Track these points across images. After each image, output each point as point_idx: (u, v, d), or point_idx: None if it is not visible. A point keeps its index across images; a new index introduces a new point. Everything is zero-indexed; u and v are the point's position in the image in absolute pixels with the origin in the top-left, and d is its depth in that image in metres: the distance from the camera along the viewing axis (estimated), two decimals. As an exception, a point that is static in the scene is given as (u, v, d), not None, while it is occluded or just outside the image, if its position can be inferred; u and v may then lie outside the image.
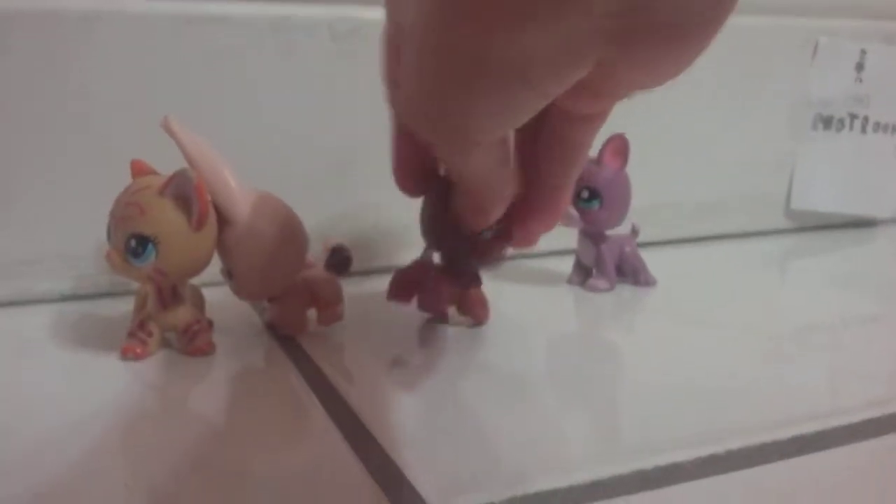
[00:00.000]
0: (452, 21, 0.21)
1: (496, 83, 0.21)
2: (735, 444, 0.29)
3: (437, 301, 0.37)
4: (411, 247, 0.38)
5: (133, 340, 0.34)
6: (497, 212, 0.30)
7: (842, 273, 0.53)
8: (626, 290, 0.45)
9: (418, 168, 0.32)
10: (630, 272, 0.46)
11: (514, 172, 0.29)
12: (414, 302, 0.37)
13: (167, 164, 0.33)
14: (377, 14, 0.43)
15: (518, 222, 0.32)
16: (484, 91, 0.22)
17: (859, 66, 0.58)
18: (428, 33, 0.22)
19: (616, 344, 0.40)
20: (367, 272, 0.44)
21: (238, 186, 0.34)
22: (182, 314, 0.35)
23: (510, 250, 0.34)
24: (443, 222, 0.33)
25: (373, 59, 0.44)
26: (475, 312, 0.39)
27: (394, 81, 0.27)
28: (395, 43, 0.27)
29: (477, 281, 0.38)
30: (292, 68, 0.43)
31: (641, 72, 0.23)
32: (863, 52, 0.58)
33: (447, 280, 0.37)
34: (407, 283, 0.37)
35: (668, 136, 0.52)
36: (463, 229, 0.32)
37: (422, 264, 0.37)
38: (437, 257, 0.37)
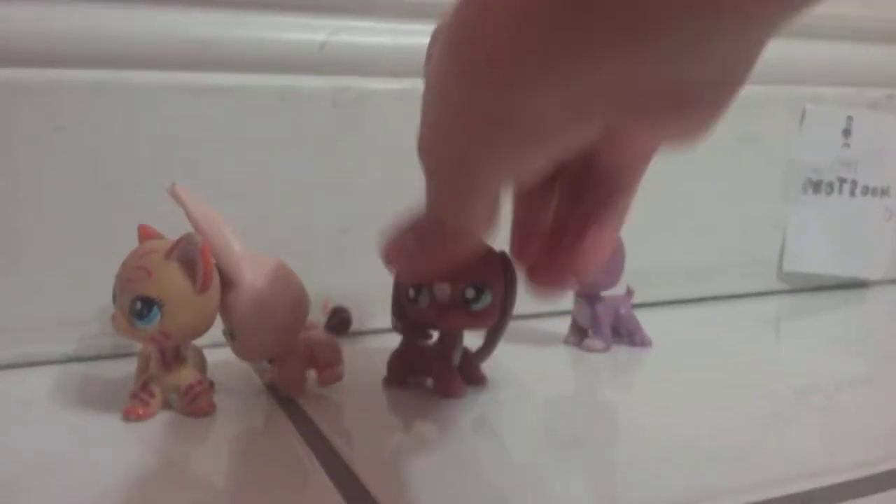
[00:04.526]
0: (472, 82, 0.22)
1: (511, 140, 0.22)
2: (730, 502, 0.29)
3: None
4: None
5: (135, 402, 0.35)
6: (458, 253, 0.29)
7: (834, 334, 0.53)
8: (621, 351, 0.46)
9: None
10: (626, 333, 0.47)
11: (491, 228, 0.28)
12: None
13: (172, 228, 0.34)
14: (377, 84, 0.45)
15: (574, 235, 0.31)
16: (498, 144, 0.23)
17: (846, 132, 0.59)
18: (448, 89, 0.23)
19: (613, 403, 0.41)
20: (367, 332, 0.45)
21: (241, 250, 0.35)
22: (184, 375, 0.35)
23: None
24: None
25: (372, 126, 0.45)
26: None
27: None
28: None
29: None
30: (295, 136, 0.44)
31: (657, 136, 0.24)
32: (849, 118, 0.59)
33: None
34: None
35: (663, 200, 0.54)
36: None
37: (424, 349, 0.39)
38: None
